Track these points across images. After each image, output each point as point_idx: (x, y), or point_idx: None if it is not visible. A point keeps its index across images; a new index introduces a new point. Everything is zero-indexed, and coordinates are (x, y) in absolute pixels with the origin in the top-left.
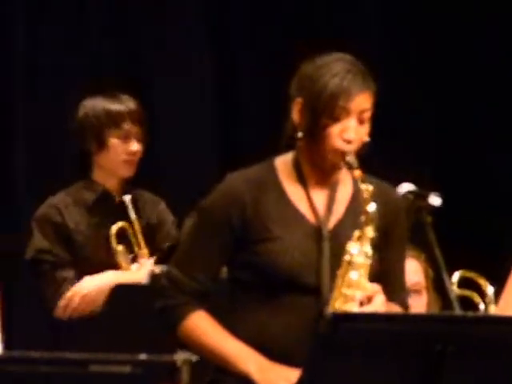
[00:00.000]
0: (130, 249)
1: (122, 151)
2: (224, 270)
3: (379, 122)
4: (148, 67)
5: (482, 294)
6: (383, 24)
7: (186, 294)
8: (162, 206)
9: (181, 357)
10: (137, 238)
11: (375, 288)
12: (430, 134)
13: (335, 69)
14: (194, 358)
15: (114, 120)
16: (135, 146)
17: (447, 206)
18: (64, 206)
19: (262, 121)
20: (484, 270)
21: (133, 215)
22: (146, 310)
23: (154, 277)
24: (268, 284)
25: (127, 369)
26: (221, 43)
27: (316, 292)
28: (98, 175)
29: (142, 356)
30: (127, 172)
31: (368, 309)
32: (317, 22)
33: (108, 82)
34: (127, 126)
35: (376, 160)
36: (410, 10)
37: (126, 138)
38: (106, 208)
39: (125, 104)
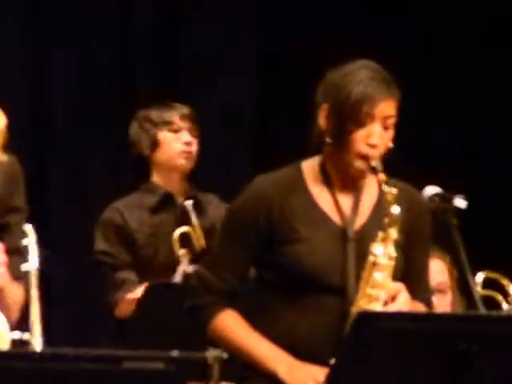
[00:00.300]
0: (192, 252)
1: (175, 142)
2: (252, 270)
3: (406, 128)
4: (187, 69)
5: (506, 294)
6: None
7: (214, 293)
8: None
9: (212, 354)
10: (199, 242)
11: (398, 286)
12: (456, 139)
13: (360, 76)
14: (225, 355)
15: (163, 120)
16: (187, 137)
17: (472, 209)
18: (126, 208)
19: (293, 126)
20: (507, 271)
21: (195, 220)
22: (179, 309)
23: (186, 276)
24: (294, 284)
25: (160, 365)
26: (261, 45)
27: (341, 292)
28: (159, 178)
29: (175, 353)
30: (184, 164)
31: (392, 307)
32: (346, 31)
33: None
34: (177, 121)
35: (402, 164)
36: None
37: (176, 131)
38: (168, 210)
39: (176, 109)
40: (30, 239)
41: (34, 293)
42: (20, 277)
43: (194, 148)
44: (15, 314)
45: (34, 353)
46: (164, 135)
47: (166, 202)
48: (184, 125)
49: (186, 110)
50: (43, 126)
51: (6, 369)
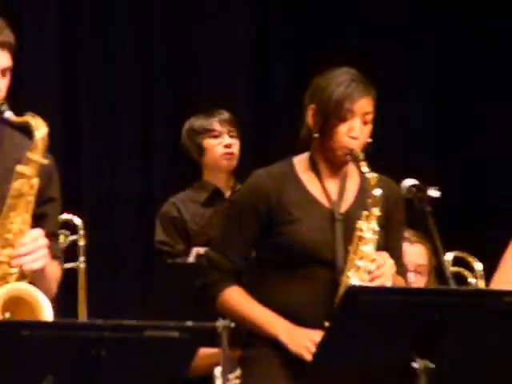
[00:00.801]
0: None
1: (217, 146)
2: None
3: (391, 127)
4: (198, 63)
5: (472, 270)
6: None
7: (223, 272)
8: None
9: (221, 324)
10: None
11: (383, 255)
12: (431, 135)
13: (340, 79)
14: (232, 324)
15: (205, 128)
16: (227, 140)
17: (446, 197)
18: (181, 203)
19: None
20: (473, 250)
21: None
22: (192, 284)
23: (198, 257)
24: (290, 259)
25: (176, 334)
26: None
27: (331, 264)
28: (208, 176)
29: (189, 323)
30: (228, 164)
31: (379, 271)
32: (338, 39)
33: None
34: (217, 127)
35: (386, 158)
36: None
37: (217, 137)
38: (218, 204)
39: (216, 116)
40: (80, 235)
41: (82, 290)
42: (56, 257)
43: (235, 148)
44: (55, 288)
45: (69, 323)
46: (207, 142)
47: (216, 196)
48: (223, 129)
49: (224, 115)
50: (75, 126)
51: (45, 337)
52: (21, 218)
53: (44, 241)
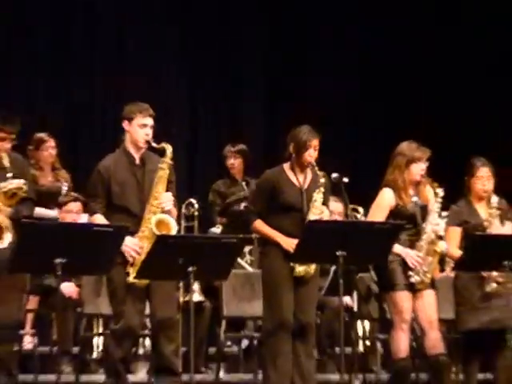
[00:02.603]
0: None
1: (228, 162)
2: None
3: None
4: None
5: (358, 213)
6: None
7: (253, 213)
8: None
9: (254, 235)
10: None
11: (323, 207)
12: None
13: (304, 130)
14: (259, 236)
15: (225, 153)
16: (231, 161)
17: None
18: (217, 185)
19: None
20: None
21: (246, 191)
22: (241, 219)
23: (244, 207)
24: (283, 209)
25: (234, 240)
26: (271, 97)
27: (301, 211)
28: (231, 172)
29: (240, 235)
30: (232, 172)
31: (322, 216)
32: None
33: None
34: (229, 154)
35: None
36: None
37: (228, 158)
38: (233, 186)
39: (232, 147)
40: (196, 209)
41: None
42: (175, 205)
43: (236, 165)
44: (175, 217)
45: (190, 235)
46: (226, 160)
47: (232, 182)
48: (231, 155)
49: (236, 147)
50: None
51: (179, 242)
52: (161, 187)
53: (172, 197)
